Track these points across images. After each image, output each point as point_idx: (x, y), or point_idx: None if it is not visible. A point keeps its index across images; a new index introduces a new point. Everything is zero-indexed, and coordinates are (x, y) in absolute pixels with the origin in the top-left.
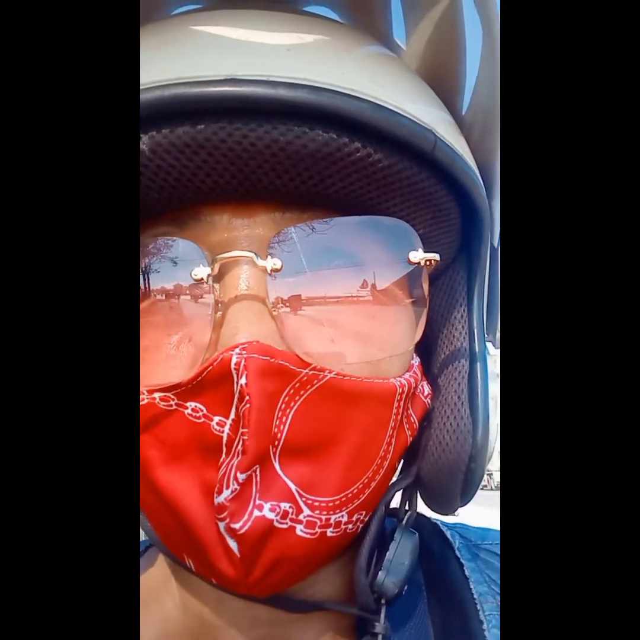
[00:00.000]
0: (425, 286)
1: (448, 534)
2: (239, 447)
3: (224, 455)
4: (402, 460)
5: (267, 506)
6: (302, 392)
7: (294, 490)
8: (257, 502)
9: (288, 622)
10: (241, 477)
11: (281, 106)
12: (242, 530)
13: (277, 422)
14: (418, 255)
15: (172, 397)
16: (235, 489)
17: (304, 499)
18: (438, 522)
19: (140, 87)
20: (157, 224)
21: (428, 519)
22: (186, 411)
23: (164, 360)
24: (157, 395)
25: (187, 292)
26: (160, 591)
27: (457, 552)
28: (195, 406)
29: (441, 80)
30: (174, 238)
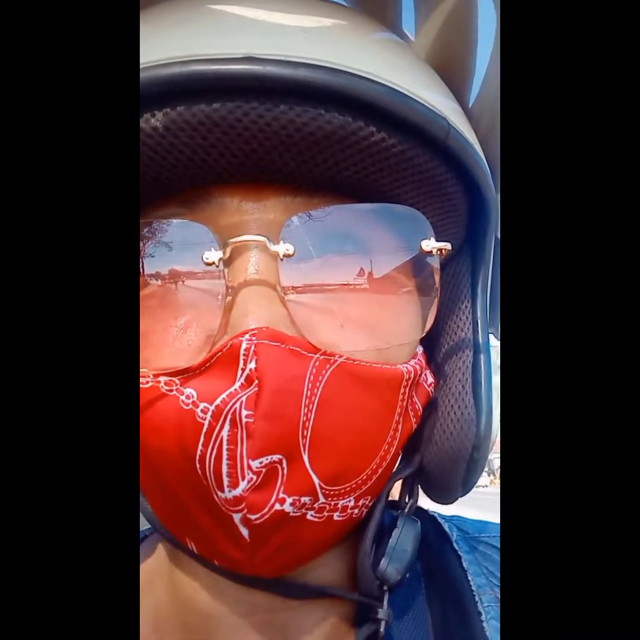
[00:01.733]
0: (437, 275)
1: (445, 526)
2: (243, 432)
3: (201, 446)
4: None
5: (289, 500)
6: (320, 378)
7: (316, 485)
8: (281, 495)
9: (287, 608)
10: (254, 464)
11: (298, 87)
12: (259, 521)
13: (306, 410)
14: (431, 244)
15: (176, 382)
16: (252, 479)
17: (323, 490)
18: (435, 515)
19: (155, 64)
20: (166, 204)
21: (425, 511)
22: (181, 397)
23: (171, 344)
24: (162, 379)
25: (196, 275)
26: (153, 578)
27: (454, 545)
28: (189, 393)
29: (449, 72)
30: (184, 220)
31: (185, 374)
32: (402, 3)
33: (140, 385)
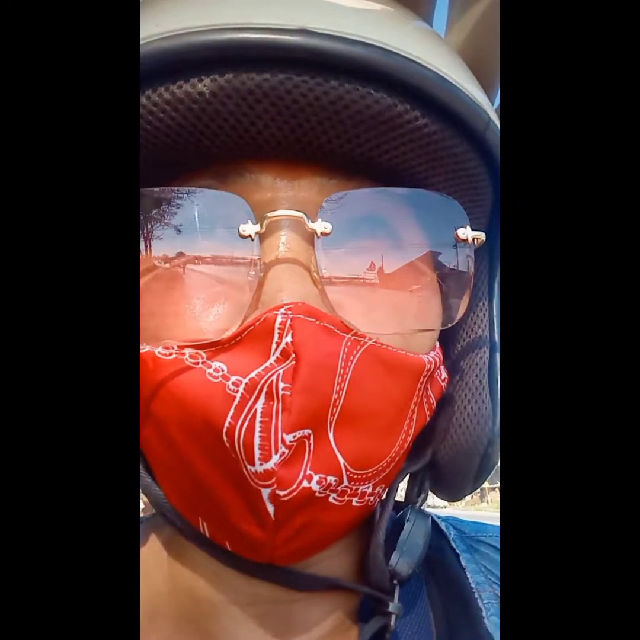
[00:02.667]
0: (471, 264)
1: (442, 525)
2: (279, 405)
3: (230, 419)
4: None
5: (315, 478)
6: (351, 358)
7: (342, 465)
8: (308, 472)
9: (290, 601)
10: (288, 438)
11: (350, 64)
12: (287, 498)
13: (337, 388)
14: (467, 233)
15: (203, 354)
16: (284, 453)
17: (348, 473)
18: (432, 515)
19: (208, 28)
20: (200, 176)
21: (422, 510)
22: (208, 370)
23: (198, 317)
24: (187, 351)
25: (227, 248)
26: (149, 567)
27: (452, 543)
28: (218, 366)
29: (479, 72)
30: (219, 191)
31: (214, 348)
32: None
33: (164, 357)
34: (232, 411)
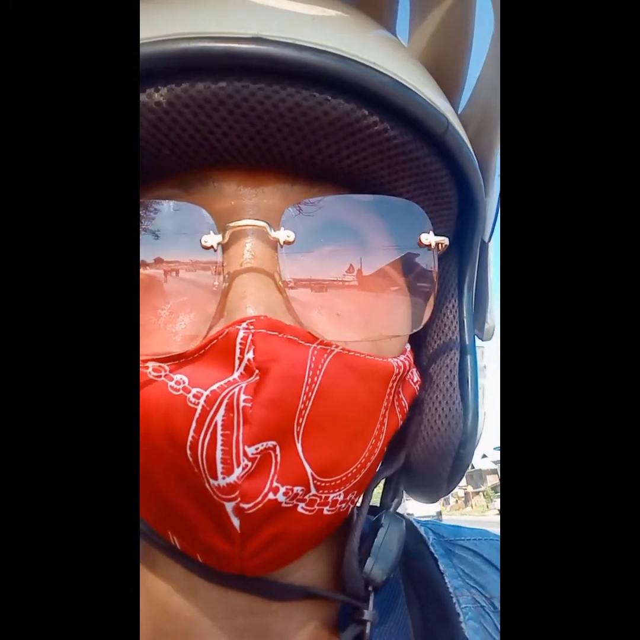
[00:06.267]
0: (434, 269)
1: (421, 530)
2: (239, 417)
3: (193, 432)
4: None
5: (282, 489)
6: (320, 366)
7: (309, 474)
8: (274, 484)
9: (268, 612)
10: (250, 451)
11: (306, 71)
12: (251, 511)
13: (304, 398)
14: (430, 238)
15: (166, 367)
16: (247, 466)
17: (316, 481)
18: (411, 519)
19: (163, 38)
20: (163, 185)
21: (401, 515)
22: (170, 383)
23: (162, 329)
24: (150, 365)
25: (191, 259)
26: None
27: (431, 548)
28: (180, 379)
29: (441, 77)
30: (181, 202)
31: (177, 361)
32: (398, 6)
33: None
34: (194, 425)
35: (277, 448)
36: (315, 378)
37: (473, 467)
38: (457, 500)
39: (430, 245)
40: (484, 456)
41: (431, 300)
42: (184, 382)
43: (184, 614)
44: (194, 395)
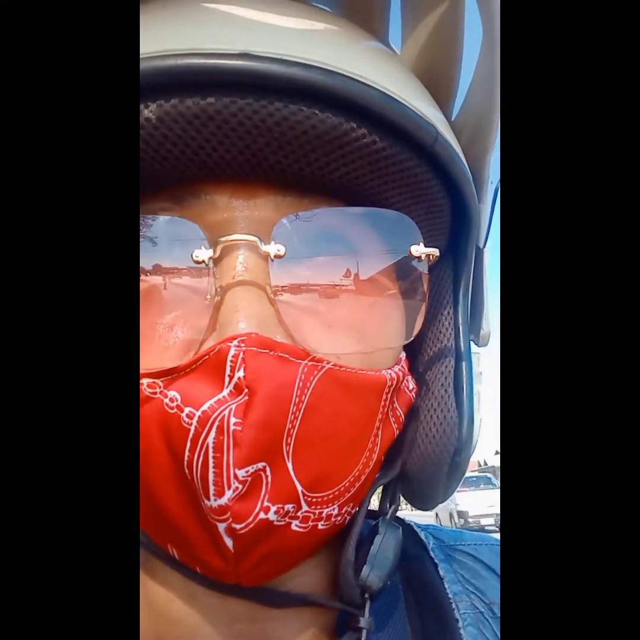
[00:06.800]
0: (425, 281)
1: (422, 535)
2: (230, 440)
3: (188, 452)
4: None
5: (273, 508)
6: (308, 384)
7: (299, 491)
8: (265, 504)
9: (267, 618)
10: (241, 474)
11: (293, 85)
12: (243, 531)
13: (292, 417)
14: (420, 249)
15: (160, 383)
16: (238, 488)
17: (306, 497)
18: (411, 524)
19: (152, 55)
20: (155, 199)
21: (402, 520)
22: (165, 400)
23: (155, 343)
24: (145, 381)
25: (183, 273)
26: None
27: (431, 553)
28: (173, 396)
29: (434, 85)
30: (172, 216)
31: (170, 376)
32: (389, 15)
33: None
34: (188, 444)
35: (268, 469)
36: (303, 397)
37: (486, 464)
38: None
39: (420, 256)
40: (497, 453)
41: (422, 311)
42: (177, 400)
43: (183, 620)
44: (188, 415)
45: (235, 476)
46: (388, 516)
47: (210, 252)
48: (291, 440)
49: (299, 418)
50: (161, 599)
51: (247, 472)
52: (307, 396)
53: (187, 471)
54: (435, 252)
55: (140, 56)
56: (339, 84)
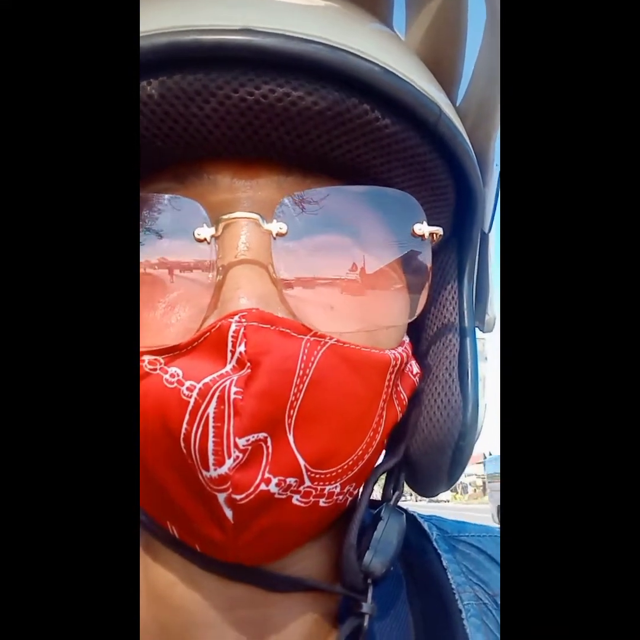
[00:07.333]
0: (428, 260)
1: (425, 525)
2: (230, 409)
3: (186, 424)
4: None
5: (274, 480)
6: (312, 359)
7: (302, 465)
8: (266, 475)
9: (267, 603)
10: (241, 442)
11: (295, 61)
12: (244, 502)
13: (295, 390)
14: (423, 228)
15: (161, 360)
16: (238, 457)
17: (309, 473)
18: (415, 514)
19: (154, 32)
20: (158, 179)
21: (405, 510)
22: (165, 376)
23: (157, 322)
24: (146, 358)
25: (186, 252)
26: None
27: (434, 543)
28: (174, 371)
29: (438, 70)
30: (175, 195)
31: (171, 353)
32: (393, 0)
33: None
34: (187, 417)
35: (269, 439)
36: (307, 370)
37: (491, 455)
38: (475, 490)
39: (423, 235)
40: None
41: (425, 291)
42: (178, 375)
43: (184, 605)
44: (188, 388)
45: (236, 445)
46: (392, 502)
47: (212, 230)
48: (294, 413)
49: (303, 391)
50: (161, 583)
51: (247, 441)
52: (311, 370)
53: (183, 444)
54: (438, 231)
55: (143, 34)
56: (341, 59)
